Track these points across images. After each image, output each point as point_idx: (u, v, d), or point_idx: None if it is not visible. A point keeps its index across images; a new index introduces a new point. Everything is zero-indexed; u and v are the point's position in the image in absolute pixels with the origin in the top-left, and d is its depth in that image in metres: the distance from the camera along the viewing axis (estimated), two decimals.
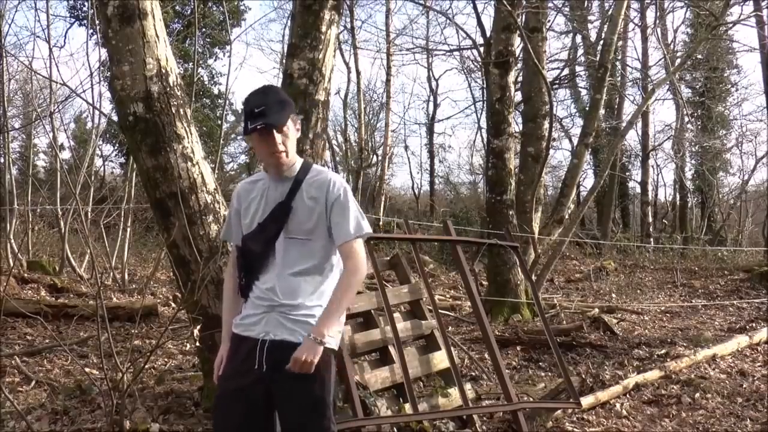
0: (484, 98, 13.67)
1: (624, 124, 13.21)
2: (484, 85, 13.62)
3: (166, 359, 5.65)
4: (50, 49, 9.22)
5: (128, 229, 10.00)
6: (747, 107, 37.55)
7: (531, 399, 4.61)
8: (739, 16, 10.50)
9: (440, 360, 4.18)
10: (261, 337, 2.26)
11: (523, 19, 9.02)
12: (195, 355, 5.16)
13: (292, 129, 2.34)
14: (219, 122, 16.28)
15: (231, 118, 22.97)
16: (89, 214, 9.83)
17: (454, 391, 4.03)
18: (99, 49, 9.83)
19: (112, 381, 3.61)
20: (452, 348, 4.27)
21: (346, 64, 19.53)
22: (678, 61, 14.86)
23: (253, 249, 2.35)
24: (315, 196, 2.33)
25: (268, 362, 2.24)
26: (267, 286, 2.29)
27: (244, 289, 2.37)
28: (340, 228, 2.33)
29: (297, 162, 2.39)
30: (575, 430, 4.08)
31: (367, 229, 2.38)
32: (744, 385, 5.04)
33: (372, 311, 4.13)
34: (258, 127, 2.23)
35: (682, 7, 16.19)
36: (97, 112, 9.98)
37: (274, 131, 2.26)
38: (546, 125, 9.16)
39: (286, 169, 2.35)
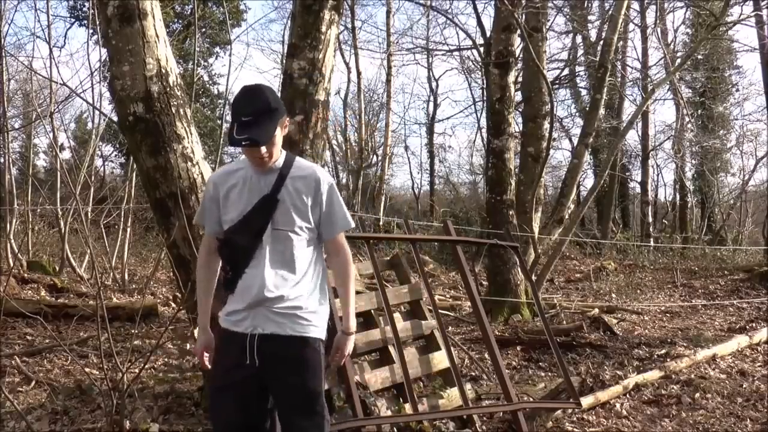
0: (484, 98, 13.67)
1: (624, 124, 13.22)
2: (484, 85, 13.64)
3: (166, 359, 5.65)
4: (50, 49, 9.26)
5: (128, 229, 10.00)
6: (747, 107, 37.51)
7: (531, 399, 4.61)
8: (739, 16, 10.49)
9: (440, 360, 4.18)
10: (249, 332, 2.30)
11: (523, 19, 9.01)
12: (195, 355, 5.15)
13: (279, 135, 2.31)
14: (219, 122, 16.26)
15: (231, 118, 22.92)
16: (89, 214, 9.84)
17: (454, 391, 4.03)
18: (99, 49, 9.88)
19: (112, 381, 3.62)
20: (452, 348, 4.28)
21: (347, 64, 19.51)
22: (678, 61, 14.85)
23: (239, 242, 2.33)
24: (301, 189, 2.35)
25: (259, 356, 2.28)
26: (254, 280, 2.30)
27: (230, 283, 2.36)
28: (331, 223, 2.40)
29: (281, 155, 2.38)
30: (575, 430, 4.08)
31: (351, 223, 2.45)
32: (744, 385, 5.03)
33: (372, 311, 4.13)
34: (243, 143, 2.22)
35: (682, 7, 16.22)
36: (97, 112, 10.00)
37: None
38: (546, 125, 9.16)
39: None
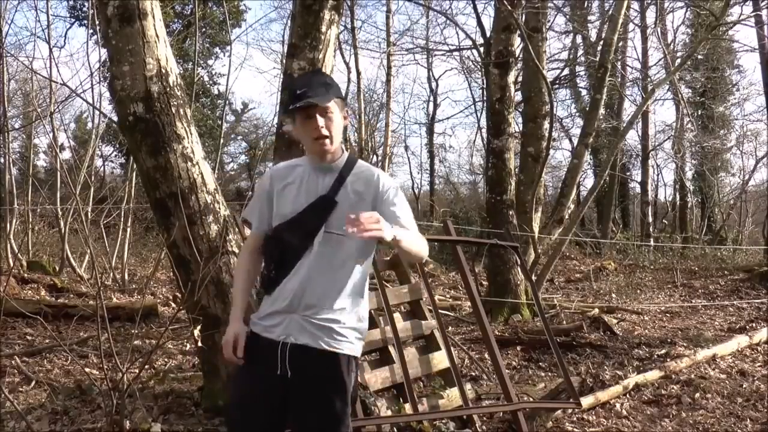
0: (484, 98, 13.67)
1: (624, 124, 13.22)
2: (484, 85, 13.63)
3: (166, 359, 5.65)
4: (50, 49, 9.29)
5: (128, 229, 10.01)
6: (747, 107, 37.45)
7: (531, 399, 4.61)
8: (739, 16, 10.49)
9: (440, 360, 4.18)
10: (282, 340, 2.15)
11: (523, 19, 9.01)
12: (195, 355, 5.16)
13: (338, 114, 2.19)
14: (219, 122, 16.26)
15: (231, 118, 22.98)
16: (89, 214, 9.84)
17: (454, 391, 4.03)
18: (99, 49, 9.87)
19: (112, 381, 3.61)
20: (452, 348, 4.28)
21: (346, 64, 19.48)
22: (678, 61, 14.85)
23: (289, 241, 2.19)
24: (360, 190, 2.21)
25: (290, 367, 2.15)
26: (297, 283, 2.16)
27: (271, 283, 2.21)
28: (399, 218, 2.17)
29: (342, 155, 2.25)
30: (575, 430, 4.08)
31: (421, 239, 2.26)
32: (744, 385, 5.03)
33: (372, 311, 4.13)
34: (298, 105, 2.11)
35: (682, 7, 16.20)
36: (97, 112, 10.01)
37: (317, 114, 2.14)
38: (546, 125, 9.15)
39: (330, 158, 2.22)
